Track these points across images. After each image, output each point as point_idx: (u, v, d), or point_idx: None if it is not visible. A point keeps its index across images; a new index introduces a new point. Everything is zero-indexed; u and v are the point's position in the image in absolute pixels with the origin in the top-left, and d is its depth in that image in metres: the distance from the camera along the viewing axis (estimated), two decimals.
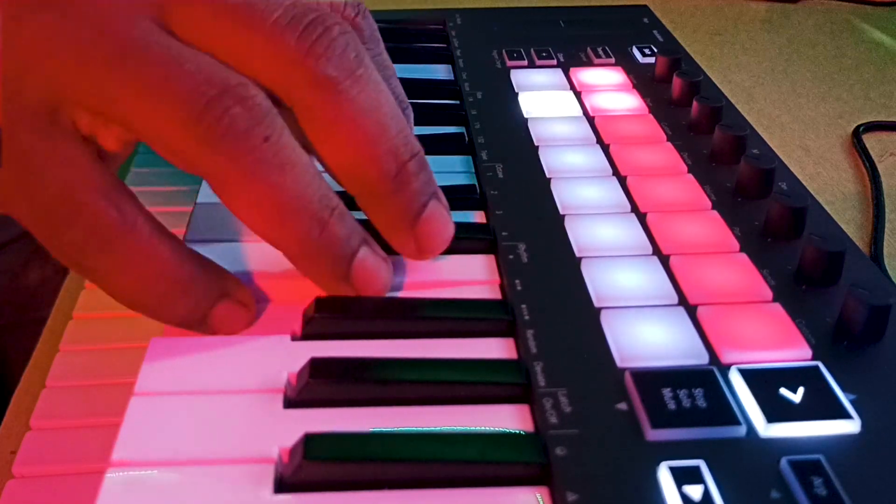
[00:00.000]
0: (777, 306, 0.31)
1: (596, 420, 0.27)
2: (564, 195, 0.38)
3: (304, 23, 0.29)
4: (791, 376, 0.28)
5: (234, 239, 0.35)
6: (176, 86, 0.27)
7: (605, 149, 0.42)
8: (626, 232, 0.35)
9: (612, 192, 0.38)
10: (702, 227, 0.36)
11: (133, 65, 0.27)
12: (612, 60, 0.52)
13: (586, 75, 0.50)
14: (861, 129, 0.53)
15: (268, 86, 0.29)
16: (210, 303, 0.30)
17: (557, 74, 0.50)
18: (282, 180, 0.28)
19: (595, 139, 0.43)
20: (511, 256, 0.34)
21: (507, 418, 0.28)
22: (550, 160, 0.41)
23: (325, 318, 0.31)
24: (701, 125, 0.43)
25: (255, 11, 0.29)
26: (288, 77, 0.29)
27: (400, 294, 0.33)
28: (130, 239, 0.28)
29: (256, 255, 0.34)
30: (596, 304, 0.32)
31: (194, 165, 0.28)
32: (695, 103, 0.44)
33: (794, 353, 0.29)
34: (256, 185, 0.28)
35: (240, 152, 0.27)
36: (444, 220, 0.33)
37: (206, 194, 0.38)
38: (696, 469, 0.25)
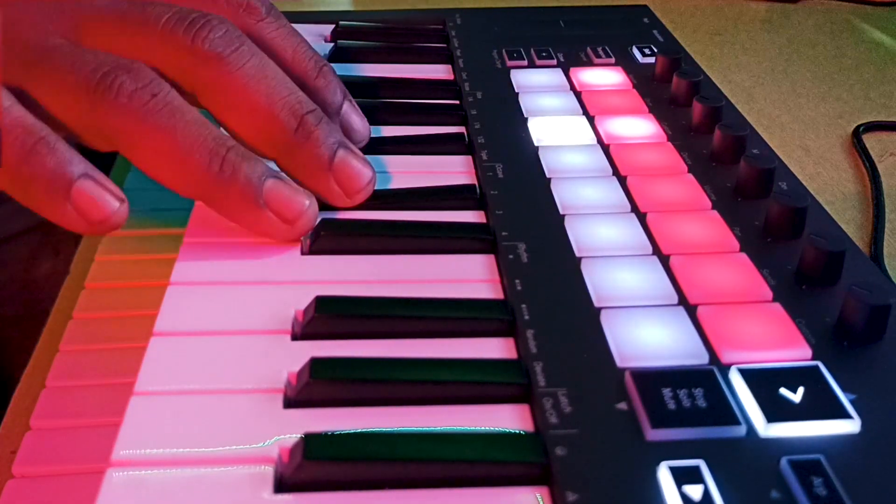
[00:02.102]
0: (777, 306, 0.31)
1: (596, 420, 0.27)
2: (564, 195, 0.38)
3: (189, 19, 0.34)
4: (791, 376, 0.28)
5: (234, 239, 0.35)
6: (78, 70, 0.33)
7: (606, 149, 0.42)
8: (626, 232, 0.35)
9: (612, 192, 0.38)
10: (702, 227, 0.36)
11: (49, 60, 0.33)
12: (612, 60, 0.52)
13: (586, 75, 0.50)
14: (861, 129, 0.53)
15: (170, 77, 0.34)
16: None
17: (557, 74, 0.50)
18: (173, 124, 0.32)
19: (595, 139, 0.43)
20: (511, 256, 0.34)
21: (507, 418, 0.28)
22: (550, 160, 0.41)
23: (325, 318, 0.31)
24: (701, 125, 0.43)
25: (149, 18, 0.35)
26: (182, 63, 0.34)
27: (399, 293, 0.33)
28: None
29: (256, 255, 0.34)
30: (596, 303, 0.32)
31: (101, 130, 0.33)
32: (695, 103, 0.44)
33: (794, 353, 0.29)
34: (151, 133, 0.32)
35: (131, 108, 0.32)
36: (358, 162, 0.36)
37: None
38: (696, 469, 0.25)
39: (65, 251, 0.39)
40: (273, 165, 0.35)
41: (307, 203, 0.34)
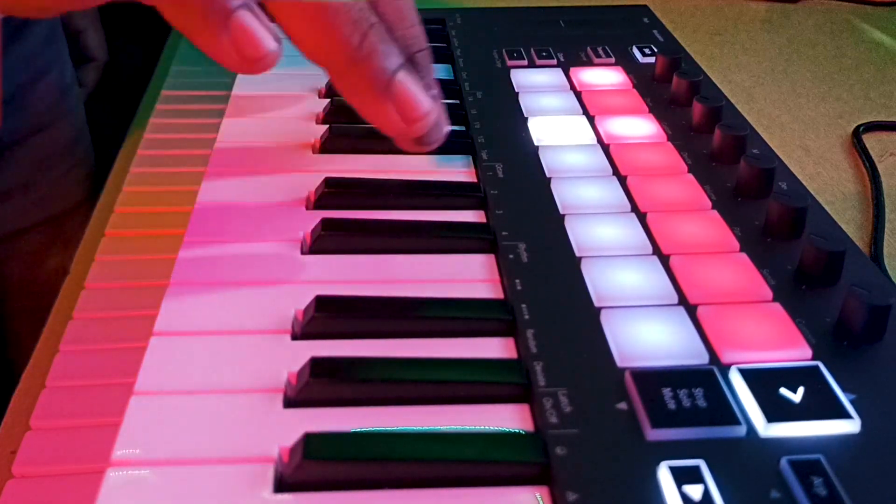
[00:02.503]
0: (777, 306, 0.31)
1: (596, 420, 0.27)
2: (564, 195, 0.38)
3: None
4: (791, 376, 0.28)
5: (234, 239, 0.35)
6: None
7: (606, 149, 0.42)
8: (627, 232, 0.35)
9: (612, 192, 0.38)
10: (702, 226, 0.36)
11: None
12: (612, 60, 0.52)
13: (586, 75, 0.50)
14: (861, 129, 0.53)
15: None
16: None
17: (557, 74, 0.50)
18: None
19: (595, 139, 0.43)
20: (511, 256, 0.34)
21: (507, 418, 0.28)
22: (550, 160, 0.41)
23: (325, 318, 0.31)
24: (701, 125, 0.43)
25: None
26: None
27: (400, 293, 0.33)
28: None
29: (256, 254, 0.34)
30: (596, 303, 0.32)
31: None
32: (695, 103, 0.44)
33: (794, 352, 0.29)
34: None
35: None
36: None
37: (206, 194, 0.38)
38: (696, 469, 0.25)
39: (74, 246, 0.39)
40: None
41: (430, 107, 0.33)
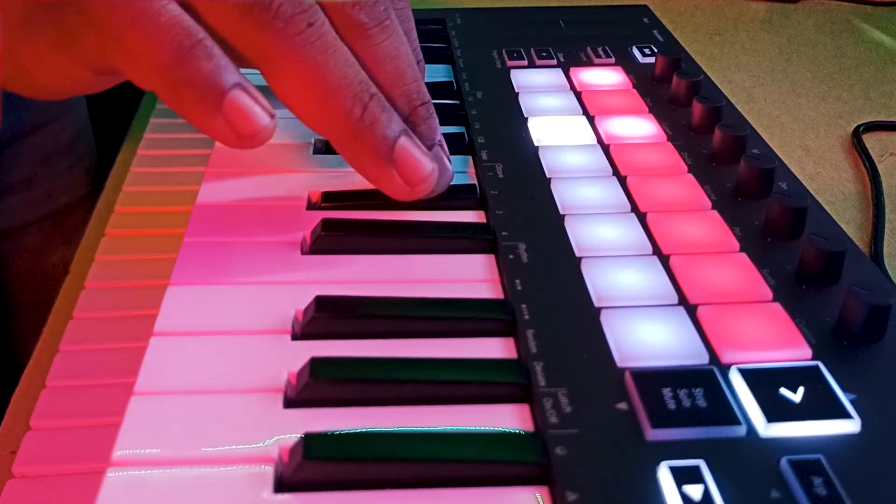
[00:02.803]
0: (777, 306, 0.31)
1: (596, 420, 0.27)
2: (564, 195, 0.38)
3: None
4: (791, 376, 0.28)
5: (234, 239, 0.35)
6: None
7: (606, 149, 0.42)
8: (627, 232, 0.35)
9: (612, 192, 0.38)
10: (702, 227, 0.36)
11: None
12: (612, 60, 0.52)
13: (586, 75, 0.50)
14: (861, 129, 0.53)
15: None
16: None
17: (557, 74, 0.50)
18: (324, 60, 0.32)
19: (595, 139, 0.43)
20: (511, 256, 0.34)
21: (507, 418, 0.28)
22: (550, 160, 0.41)
23: (325, 318, 0.31)
24: (701, 125, 0.43)
25: None
26: (333, 26, 0.33)
27: (400, 293, 0.33)
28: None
29: (256, 254, 0.34)
30: (596, 303, 0.32)
31: (248, 47, 0.32)
32: (695, 103, 0.44)
33: (794, 352, 0.29)
34: (302, 63, 0.32)
35: (287, 33, 0.32)
36: (445, 166, 0.37)
37: (206, 194, 0.38)
38: (696, 469, 0.25)
39: (76, 241, 0.39)
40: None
41: (431, 168, 0.35)
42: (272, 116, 0.32)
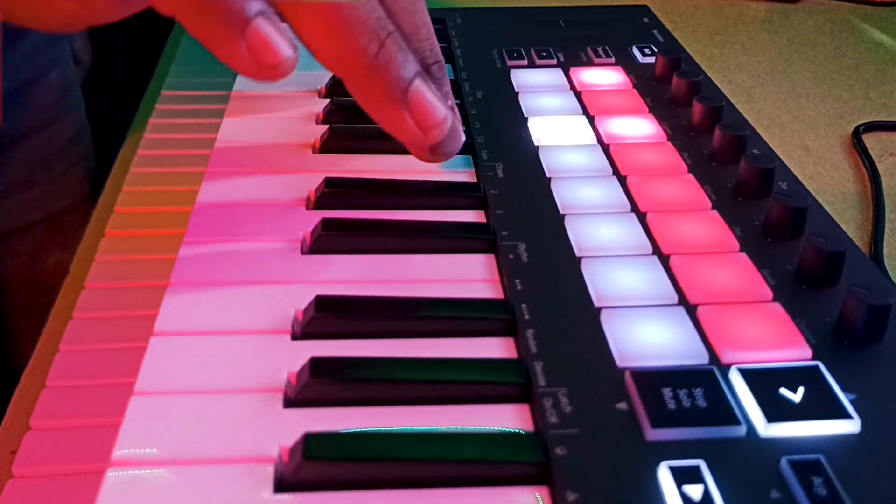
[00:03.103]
0: (777, 306, 0.31)
1: (596, 420, 0.27)
2: (564, 195, 0.38)
3: None
4: (791, 376, 0.28)
5: (234, 239, 0.35)
6: None
7: (606, 149, 0.42)
8: (627, 232, 0.35)
9: (612, 192, 0.38)
10: (702, 227, 0.36)
11: None
12: (612, 60, 0.52)
13: (586, 75, 0.50)
14: (861, 129, 0.53)
15: None
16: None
17: (557, 74, 0.50)
18: None
19: (595, 139, 0.43)
20: (511, 256, 0.34)
21: (507, 418, 0.28)
22: (550, 160, 0.41)
23: (325, 318, 0.31)
24: (701, 125, 0.43)
25: None
26: None
27: (400, 293, 0.33)
28: None
29: (256, 254, 0.34)
30: (596, 303, 0.32)
31: None
32: (695, 103, 0.44)
33: (794, 353, 0.29)
34: None
35: None
36: (457, 128, 0.35)
37: (206, 194, 0.38)
38: (696, 469, 0.25)
39: (74, 244, 0.39)
40: None
41: (444, 114, 0.33)
42: (294, 49, 0.31)
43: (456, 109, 0.36)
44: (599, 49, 0.53)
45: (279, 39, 0.30)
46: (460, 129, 0.36)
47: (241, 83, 0.49)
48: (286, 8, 0.32)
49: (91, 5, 0.32)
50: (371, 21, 0.32)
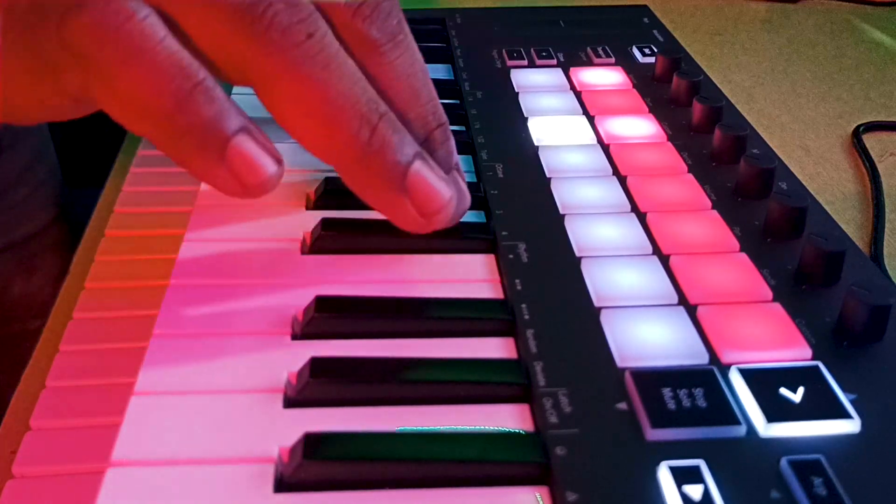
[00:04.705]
0: (777, 306, 0.31)
1: (596, 420, 0.27)
2: (564, 195, 0.38)
3: None
4: (791, 376, 0.28)
5: (233, 239, 0.35)
6: None
7: (606, 149, 0.42)
8: (627, 232, 0.35)
9: (612, 192, 0.38)
10: (702, 227, 0.36)
11: None
12: (612, 60, 0.52)
13: (586, 75, 0.50)
14: (861, 129, 0.53)
15: None
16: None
17: (557, 74, 0.50)
18: (326, 76, 0.28)
19: (595, 139, 0.43)
20: (511, 256, 0.34)
21: (507, 418, 0.28)
22: (550, 160, 0.41)
23: (325, 318, 0.31)
24: (701, 125, 0.43)
25: None
26: (337, 35, 0.30)
27: (400, 293, 0.33)
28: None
29: (256, 254, 0.34)
30: (596, 303, 0.32)
31: (240, 64, 0.29)
32: (695, 103, 0.44)
33: (794, 353, 0.29)
34: (301, 82, 0.28)
35: (284, 46, 0.28)
36: (462, 192, 0.33)
37: (206, 194, 0.38)
38: (696, 469, 0.25)
39: (39, 271, 0.36)
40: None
41: (449, 196, 0.31)
42: (279, 163, 0.29)
43: (460, 167, 0.34)
44: (599, 49, 0.53)
45: (262, 156, 0.28)
46: (466, 191, 0.33)
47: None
48: (264, 90, 0.29)
49: (50, 108, 0.30)
50: (361, 104, 0.29)
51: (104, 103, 0.28)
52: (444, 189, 0.31)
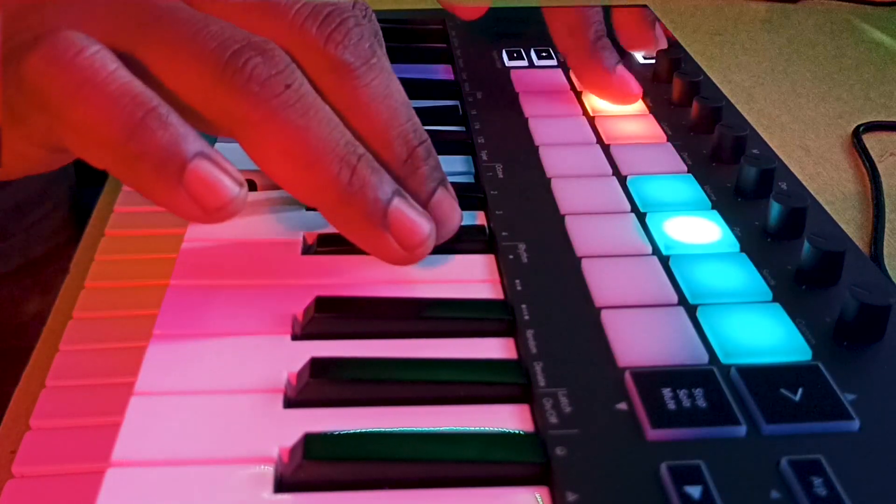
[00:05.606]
0: (777, 306, 0.31)
1: (596, 420, 0.27)
2: (565, 195, 0.38)
3: (324, 14, 0.31)
4: (791, 376, 0.28)
5: (233, 239, 0.35)
6: (203, 41, 0.29)
7: (606, 149, 0.42)
8: (627, 232, 0.35)
9: (612, 192, 0.38)
10: (702, 226, 0.36)
11: (166, 23, 0.30)
12: None
13: None
14: (861, 129, 0.53)
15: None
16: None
17: (557, 74, 0.50)
18: (306, 123, 0.29)
19: (595, 139, 0.43)
20: (511, 256, 0.34)
21: (507, 418, 0.28)
22: (551, 160, 0.41)
23: (325, 318, 0.31)
24: (701, 125, 0.43)
25: (278, 4, 0.31)
26: (308, 62, 0.31)
27: (400, 294, 0.33)
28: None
29: (256, 254, 0.34)
30: (596, 304, 0.32)
31: (222, 114, 0.29)
32: (695, 103, 0.44)
33: (794, 353, 0.29)
34: (281, 130, 0.29)
35: (262, 97, 0.29)
36: (452, 207, 0.34)
37: None
38: (696, 469, 0.25)
39: (52, 291, 0.37)
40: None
41: (429, 230, 0.32)
42: (241, 185, 0.29)
43: (447, 183, 0.34)
44: None
45: (222, 179, 0.28)
46: (456, 207, 0.34)
47: None
48: (245, 139, 0.30)
49: (27, 159, 0.31)
50: (340, 147, 0.30)
51: (65, 139, 0.29)
52: (423, 223, 0.32)
